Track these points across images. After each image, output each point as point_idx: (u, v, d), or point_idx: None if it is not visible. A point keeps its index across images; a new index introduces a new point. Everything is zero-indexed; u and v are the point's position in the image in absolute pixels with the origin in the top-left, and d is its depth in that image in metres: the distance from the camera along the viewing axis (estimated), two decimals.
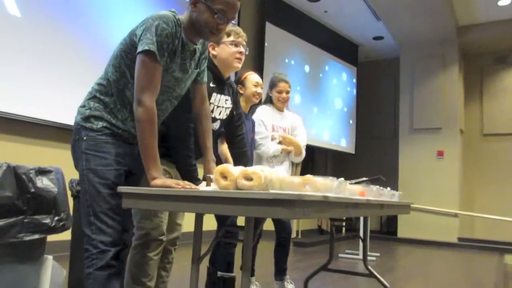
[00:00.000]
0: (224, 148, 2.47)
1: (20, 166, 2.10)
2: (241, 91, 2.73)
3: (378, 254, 5.47)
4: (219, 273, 2.44)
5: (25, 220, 2.08)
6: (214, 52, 2.10)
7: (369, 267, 2.41)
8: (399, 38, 8.01)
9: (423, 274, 4.35)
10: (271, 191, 1.27)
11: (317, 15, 7.47)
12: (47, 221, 2.17)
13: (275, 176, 1.39)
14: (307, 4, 7.05)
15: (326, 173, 3.09)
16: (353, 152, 8.73)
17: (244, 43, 2.11)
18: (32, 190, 2.10)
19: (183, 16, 1.60)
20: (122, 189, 1.45)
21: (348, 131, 8.65)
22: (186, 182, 1.45)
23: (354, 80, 8.96)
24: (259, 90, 2.77)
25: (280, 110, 3.10)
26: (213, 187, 1.42)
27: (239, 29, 2.11)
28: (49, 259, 2.39)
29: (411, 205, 2.56)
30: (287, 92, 3.05)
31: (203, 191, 1.30)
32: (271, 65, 6.52)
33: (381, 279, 2.38)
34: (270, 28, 6.65)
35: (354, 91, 8.96)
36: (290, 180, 1.44)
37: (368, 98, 9.32)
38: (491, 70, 8.43)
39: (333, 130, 8.06)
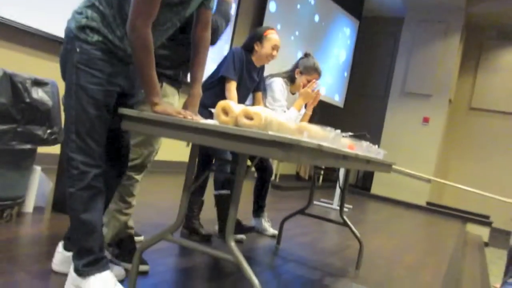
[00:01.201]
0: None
1: (16, 74, 2.08)
2: (256, 48, 2.65)
3: (350, 206, 5.72)
4: (215, 192, 2.56)
5: (18, 129, 2.10)
6: None
7: (344, 217, 2.54)
8: None
9: (389, 229, 4.60)
10: (270, 132, 1.32)
11: None
12: (40, 132, 2.19)
13: (274, 119, 1.44)
14: None
15: (313, 123, 3.20)
16: (341, 106, 8.79)
17: None
18: (27, 100, 2.10)
19: None
20: (124, 111, 1.46)
21: (341, 85, 8.65)
22: (187, 112, 1.46)
23: (355, 34, 8.83)
24: (275, 53, 2.67)
25: (293, 91, 2.98)
26: (213, 121, 1.46)
27: None
28: (38, 169, 2.44)
29: (393, 167, 2.65)
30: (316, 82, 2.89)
31: (204, 123, 1.33)
32: (280, 9, 6.37)
33: (354, 229, 2.52)
34: None
35: (353, 45, 8.86)
36: (288, 125, 1.49)
37: (366, 54, 9.26)
38: (491, 45, 8.41)
39: (328, 84, 8.05)
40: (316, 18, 7.42)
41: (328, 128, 1.45)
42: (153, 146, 1.92)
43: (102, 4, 1.44)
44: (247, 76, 2.67)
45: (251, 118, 1.40)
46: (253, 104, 2.80)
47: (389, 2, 8.39)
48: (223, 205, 2.53)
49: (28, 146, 2.16)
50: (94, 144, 1.44)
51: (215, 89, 2.59)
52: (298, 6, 6.92)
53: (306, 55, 2.98)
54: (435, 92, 7.83)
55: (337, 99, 8.57)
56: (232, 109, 1.43)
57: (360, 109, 9.24)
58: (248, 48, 2.69)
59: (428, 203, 7.68)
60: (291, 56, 6.58)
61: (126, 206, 1.89)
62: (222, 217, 2.56)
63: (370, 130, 8.38)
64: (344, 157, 1.66)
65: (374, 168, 2.21)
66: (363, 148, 2.04)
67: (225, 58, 2.63)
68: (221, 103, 1.44)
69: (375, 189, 8.13)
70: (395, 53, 8.60)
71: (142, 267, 1.80)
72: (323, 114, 9.24)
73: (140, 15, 1.36)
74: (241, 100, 2.67)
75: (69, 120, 1.45)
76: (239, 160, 1.41)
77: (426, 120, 7.88)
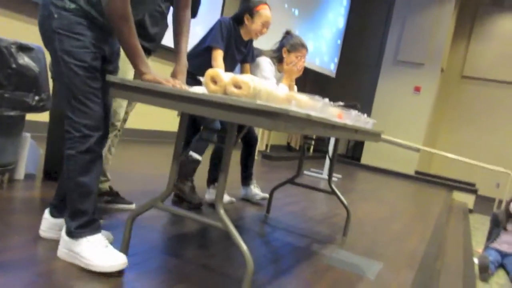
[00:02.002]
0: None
1: (1, 38, 2.04)
2: (246, 22, 2.58)
3: (340, 176, 5.80)
4: (190, 153, 2.55)
5: (5, 95, 2.07)
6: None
7: (333, 186, 2.58)
8: None
9: (378, 198, 4.69)
10: (258, 101, 1.32)
11: None
12: (28, 99, 2.16)
13: (263, 88, 1.44)
14: None
15: (304, 93, 3.17)
16: (333, 76, 8.75)
17: None
18: (13, 65, 2.07)
19: None
20: (111, 78, 1.46)
21: (334, 53, 8.58)
22: (176, 80, 1.46)
23: (349, 1, 8.69)
24: (264, 30, 2.61)
25: (280, 71, 2.90)
26: (201, 89, 1.45)
27: None
28: (27, 136, 2.43)
29: (382, 137, 2.68)
30: (304, 58, 2.82)
31: (193, 92, 1.33)
32: None
33: (342, 198, 2.57)
34: None
35: (347, 12, 8.73)
36: (277, 94, 1.50)
37: (359, 22, 9.15)
38: (486, 11, 8.34)
39: (322, 52, 7.97)
40: None
41: (317, 97, 1.46)
42: (123, 107, 2.04)
43: None
44: (235, 47, 2.64)
45: (239, 87, 1.40)
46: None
47: None
48: (186, 166, 2.54)
49: (17, 113, 2.14)
50: (95, 105, 1.44)
51: (201, 58, 2.56)
52: None
53: (288, 33, 2.93)
54: (427, 60, 7.81)
55: (331, 68, 8.52)
56: (221, 77, 1.43)
57: (352, 78, 9.22)
58: (238, 20, 2.63)
59: (416, 172, 7.81)
60: (285, 23, 6.48)
61: None
62: (181, 176, 2.57)
63: (362, 100, 8.42)
64: (333, 126, 1.67)
65: (363, 137, 2.23)
66: (352, 118, 2.05)
67: (213, 27, 2.58)
68: (210, 72, 1.44)
69: (365, 159, 8.22)
70: (389, 21, 8.51)
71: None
72: (315, 83, 9.21)
73: None
74: (228, 70, 2.66)
75: (64, 87, 1.44)
76: (228, 129, 1.42)
77: (417, 89, 7.89)
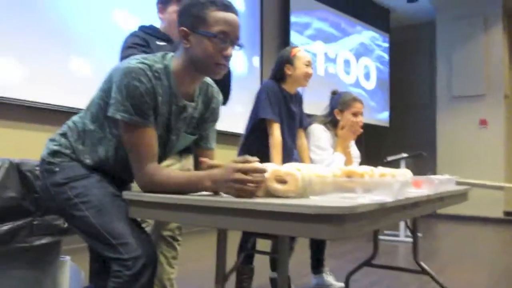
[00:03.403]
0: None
1: (24, 162, 1.89)
2: (288, 72, 2.36)
3: (420, 235, 5.13)
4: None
5: (34, 223, 1.88)
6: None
7: (421, 263, 2.11)
8: None
9: (471, 256, 4.01)
10: (312, 197, 0.99)
11: None
12: (59, 222, 1.96)
13: (314, 176, 1.11)
14: None
15: (360, 149, 2.80)
16: (387, 125, 8.29)
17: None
18: (42, 194, 1.90)
19: (176, 60, 1.29)
20: (127, 194, 1.20)
21: (383, 102, 8.19)
22: (251, 164, 1.10)
23: (387, 48, 8.43)
24: (310, 70, 2.39)
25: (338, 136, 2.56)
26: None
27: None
28: (66, 261, 2.21)
29: (457, 180, 2.22)
30: (361, 114, 2.53)
31: (225, 201, 1.02)
32: (296, 35, 6.14)
33: (436, 277, 2.07)
34: None
35: (387, 59, 8.44)
36: (332, 179, 1.15)
37: (403, 66, 8.78)
38: None
39: (370, 105, 7.64)
40: (335, 37, 7.09)
41: (388, 177, 1.10)
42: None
43: (73, 138, 1.37)
44: (286, 109, 2.38)
45: (284, 182, 1.08)
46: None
47: (416, 7, 7.97)
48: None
49: (48, 240, 1.94)
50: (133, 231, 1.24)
51: (256, 134, 2.31)
52: (314, 29, 6.62)
53: (334, 93, 2.64)
54: (487, 90, 7.19)
55: (381, 118, 8.09)
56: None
57: (407, 123, 8.68)
58: (279, 76, 2.40)
59: (506, 213, 6.90)
60: (331, 85, 6.27)
61: None
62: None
63: (423, 145, 7.81)
64: (414, 205, 1.28)
65: (450, 203, 1.80)
66: (432, 183, 1.65)
67: (258, 97, 2.35)
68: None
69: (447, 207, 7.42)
70: (433, 58, 8.10)
71: None
72: (369, 136, 8.75)
73: (139, 162, 1.23)
74: (289, 142, 2.37)
75: (89, 234, 1.28)
76: (279, 242, 1.08)
77: (483, 122, 7.21)
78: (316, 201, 0.95)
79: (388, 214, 1.09)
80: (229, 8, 1.25)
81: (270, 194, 1.09)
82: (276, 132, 2.24)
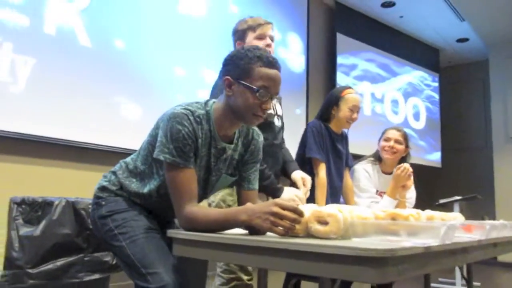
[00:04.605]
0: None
1: (78, 201, 2.01)
2: (333, 112, 2.36)
3: (479, 284, 4.79)
4: None
5: (85, 259, 1.96)
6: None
7: None
8: (487, 38, 7.23)
9: None
10: (354, 239, 0.98)
11: (391, 20, 6.99)
12: (108, 258, 2.04)
13: (356, 217, 1.10)
14: (380, 10, 6.62)
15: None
16: (439, 166, 7.98)
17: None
18: (91, 226, 1.99)
19: (217, 105, 1.39)
20: (172, 233, 1.23)
21: (435, 143, 7.94)
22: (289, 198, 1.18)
23: (437, 88, 8.25)
24: (355, 115, 2.34)
25: (387, 171, 2.55)
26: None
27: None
28: None
29: None
30: (398, 142, 2.49)
31: (263, 240, 1.03)
32: (342, 77, 6.18)
33: None
34: (341, 38, 6.31)
35: (438, 100, 8.24)
36: (375, 221, 1.13)
37: (454, 106, 8.52)
38: None
39: (421, 145, 7.44)
40: (383, 79, 7.05)
41: (436, 221, 1.07)
42: None
43: (125, 176, 1.47)
44: (332, 149, 2.36)
45: (325, 223, 1.07)
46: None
47: (467, 46, 7.82)
48: None
49: (97, 276, 2.01)
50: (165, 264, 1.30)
51: (303, 170, 2.32)
52: (360, 72, 6.62)
53: None
54: None
55: (433, 158, 7.82)
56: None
57: (461, 165, 8.31)
58: (325, 116, 2.39)
59: None
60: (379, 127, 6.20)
61: None
62: None
63: (478, 189, 7.41)
64: (464, 250, 1.23)
65: (505, 250, 1.69)
66: (483, 227, 1.56)
67: (305, 136, 2.35)
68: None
69: (503, 255, 6.91)
70: (487, 98, 7.81)
71: None
72: (421, 178, 8.45)
73: (179, 201, 1.29)
74: (337, 181, 2.35)
75: (125, 264, 1.35)
76: (319, 285, 1.06)
77: None
78: (357, 242, 0.93)
79: (434, 259, 1.05)
80: (274, 65, 1.33)
81: (310, 235, 1.09)
82: (321, 172, 2.23)
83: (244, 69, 1.30)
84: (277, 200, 1.13)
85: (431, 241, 1.02)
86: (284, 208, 1.09)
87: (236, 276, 1.72)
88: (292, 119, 5.43)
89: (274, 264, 1.00)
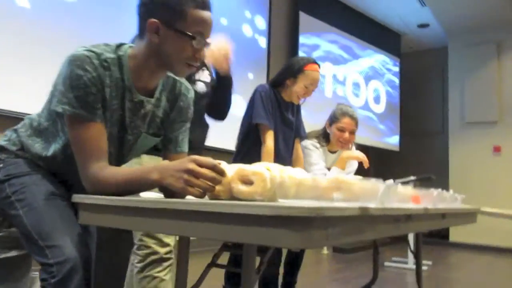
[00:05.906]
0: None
1: None
2: (288, 83, 2.19)
3: (430, 263, 4.85)
4: None
5: (0, 234, 1.76)
6: None
7: None
8: (446, 25, 7.31)
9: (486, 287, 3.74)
10: (280, 200, 0.83)
11: (355, 3, 6.91)
12: None
13: (288, 177, 0.95)
14: None
15: (369, 173, 2.61)
16: (397, 149, 8.07)
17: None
18: None
19: (133, 52, 1.17)
20: (76, 197, 1.05)
21: (393, 127, 8.01)
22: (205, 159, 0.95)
23: (397, 72, 8.30)
24: (308, 94, 2.21)
25: (333, 150, 2.49)
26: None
27: None
28: (37, 278, 2.05)
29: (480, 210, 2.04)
30: (352, 132, 2.39)
31: (182, 202, 0.87)
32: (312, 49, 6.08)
33: None
34: (304, 18, 6.17)
35: (398, 84, 8.30)
36: (312, 184, 0.99)
37: (413, 91, 8.63)
38: None
39: (380, 128, 7.46)
40: (344, 60, 6.99)
41: (373, 180, 0.94)
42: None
43: (27, 134, 1.26)
44: (280, 117, 2.22)
45: (250, 182, 0.92)
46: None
47: (428, 32, 7.88)
48: None
49: (15, 253, 1.78)
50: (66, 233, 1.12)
51: (250, 140, 2.17)
52: (322, 53, 6.53)
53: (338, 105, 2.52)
54: (501, 117, 6.99)
55: (391, 142, 7.89)
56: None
57: (418, 149, 8.45)
58: (277, 83, 2.23)
59: None
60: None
61: None
62: None
63: (435, 171, 7.56)
64: (408, 217, 1.11)
65: (454, 222, 1.61)
66: (434, 198, 1.47)
67: (252, 101, 2.19)
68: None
69: (454, 235, 7.11)
70: (446, 84, 7.94)
71: None
72: (377, 161, 8.53)
73: (82, 161, 1.10)
74: (284, 150, 2.22)
75: (23, 236, 1.19)
76: (244, 251, 0.92)
77: (497, 149, 6.96)
78: (279, 203, 0.79)
79: (375, 223, 0.93)
80: (207, 6, 1.14)
81: (234, 198, 0.94)
82: (269, 140, 2.09)
83: (176, 11, 1.09)
84: (194, 156, 0.96)
85: (370, 204, 0.89)
86: (202, 165, 0.92)
87: (152, 250, 1.56)
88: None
89: (175, 229, 0.84)
